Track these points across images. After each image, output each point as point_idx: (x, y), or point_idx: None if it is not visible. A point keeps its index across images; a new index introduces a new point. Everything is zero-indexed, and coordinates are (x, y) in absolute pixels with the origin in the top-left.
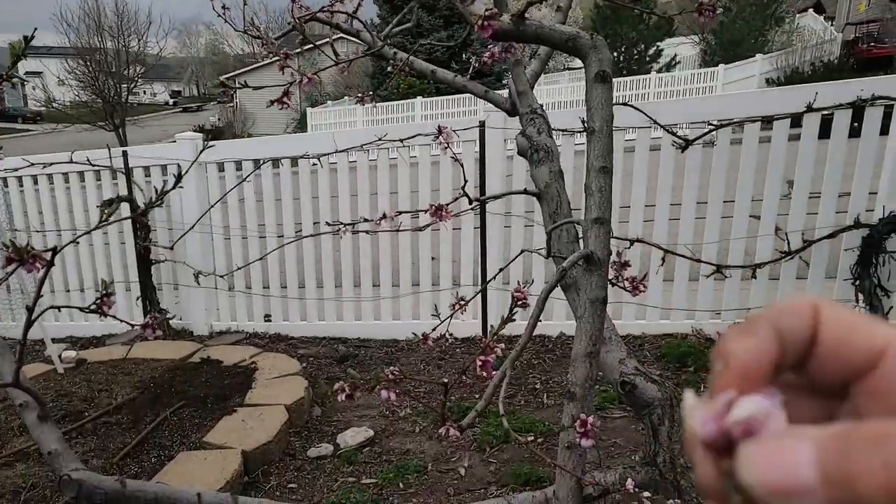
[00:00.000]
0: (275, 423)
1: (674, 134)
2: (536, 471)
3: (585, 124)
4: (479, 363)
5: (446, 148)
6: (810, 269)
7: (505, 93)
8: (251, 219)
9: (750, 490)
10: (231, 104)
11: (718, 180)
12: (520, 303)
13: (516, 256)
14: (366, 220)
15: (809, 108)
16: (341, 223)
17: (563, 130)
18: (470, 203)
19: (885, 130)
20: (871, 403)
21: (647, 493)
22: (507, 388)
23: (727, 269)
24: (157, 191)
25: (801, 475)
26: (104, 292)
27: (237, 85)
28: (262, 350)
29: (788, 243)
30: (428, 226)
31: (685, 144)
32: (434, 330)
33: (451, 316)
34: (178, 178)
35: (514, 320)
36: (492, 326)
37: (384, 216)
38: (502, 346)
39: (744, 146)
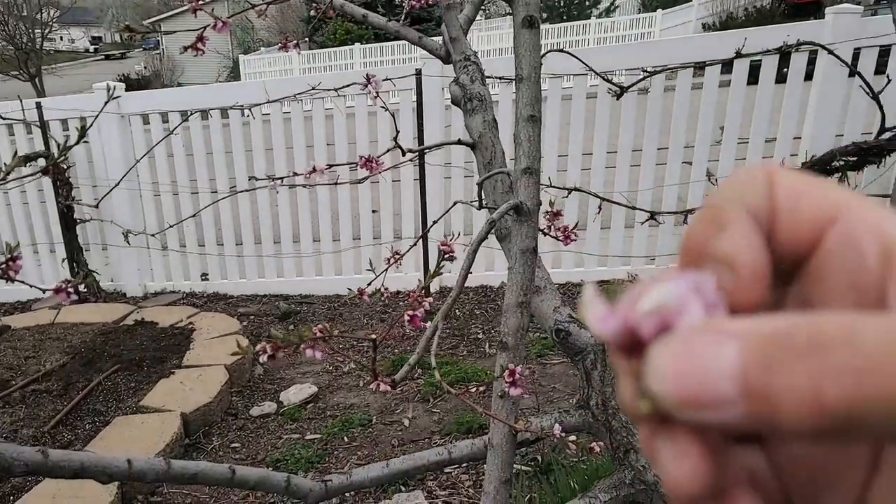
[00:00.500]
0: (215, 383)
1: (609, 81)
2: (479, 419)
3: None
4: (407, 317)
5: (376, 97)
6: None
7: (440, 39)
8: (182, 174)
9: (658, 400)
10: (157, 51)
11: (653, 128)
12: (447, 256)
13: (449, 208)
14: (297, 175)
15: (738, 55)
16: (273, 177)
17: (500, 78)
18: (403, 154)
19: (809, 76)
20: (813, 287)
21: (572, 437)
22: (450, 338)
23: (661, 215)
24: (58, 146)
25: (719, 385)
26: (9, 255)
27: (152, 29)
28: (199, 310)
29: (717, 186)
30: (366, 178)
31: (620, 91)
32: (369, 284)
33: (386, 270)
34: (83, 131)
35: (441, 273)
36: (419, 280)
37: (314, 169)
38: (430, 299)
39: (677, 93)
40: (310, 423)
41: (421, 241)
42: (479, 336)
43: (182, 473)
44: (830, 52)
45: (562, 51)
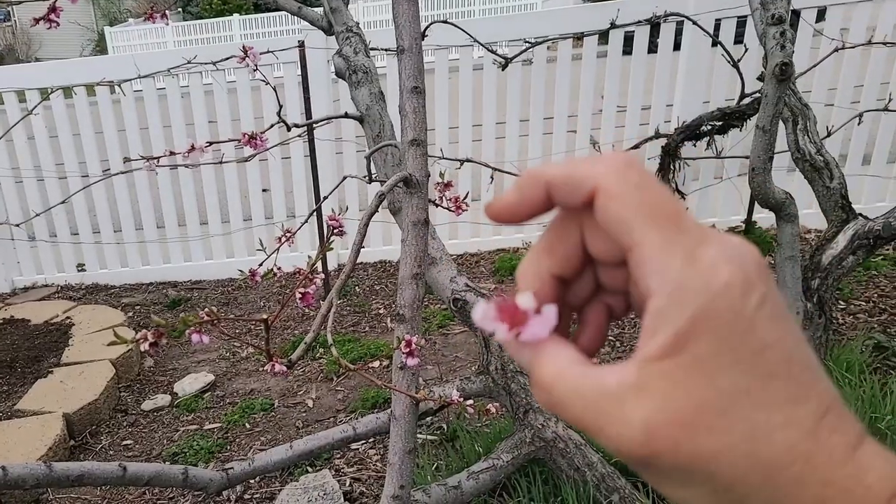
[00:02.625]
0: (100, 379)
1: (494, 52)
2: (383, 393)
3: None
4: (298, 295)
5: (255, 69)
6: None
7: (322, 10)
8: (46, 158)
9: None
10: (8, 23)
11: (538, 98)
12: (336, 231)
13: (339, 183)
14: (174, 154)
15: (613, 25)
16: (149, 157)
17: (385, 50)
18: (288, 130)
19: (678, 46)
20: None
21: (469, 402)
22: (351, 315)
23: None
24: None
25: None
26: None
27: None
28: (77, 303)
29: (600, 153)
30: (252, 156)
31: (505, 62)
32: (261, 265)
33: (278, 250)
34: None
35: (332, 248)
36: (308, 258)
37: (193, 148)
38: (321, 276)
39: (558, 64)
40: (208, 412)
41: (315, 218)
42: (381, 311)
43: (66, 476)
44: (694, 23)
45: (445, 21)
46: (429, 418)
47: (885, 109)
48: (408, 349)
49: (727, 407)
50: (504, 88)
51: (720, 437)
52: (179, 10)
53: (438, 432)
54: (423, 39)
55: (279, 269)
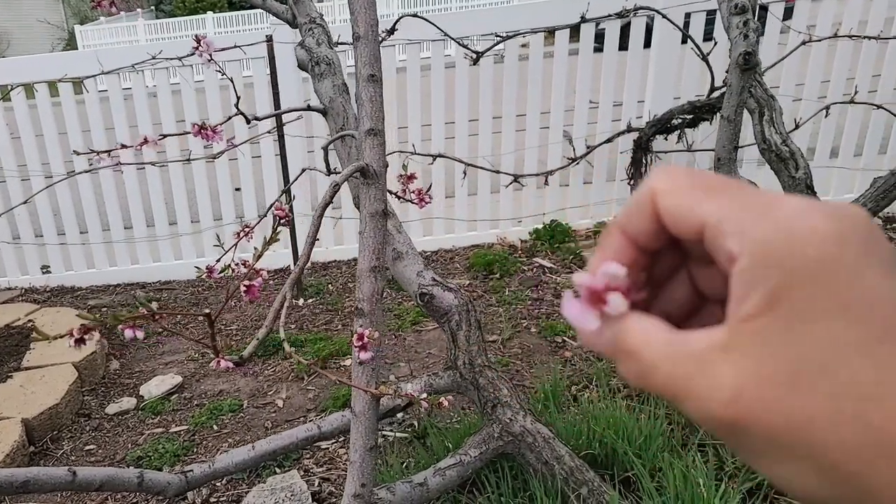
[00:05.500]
0: (62, 383)
1: (465, 46)
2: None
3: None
4: (243, 288)
5: (210, 60)
6: (594, 172)
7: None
8: (7, 158)
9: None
10: None
11: (510, 94)
12: (282, 221)
13: (297, 176)
14: (123, 147)
15: (583, 19)
16: (98, 151)
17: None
18: (248, 123)
19: (649, 45)
20: (712, 252)
21: (424, 395)
22: (324, 314)
23: (523, 178)
24: None
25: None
26: None
27: None
28: (41, 306)
29: (574, 150)
30: (221, 153)
31: (476, 57)
32: (218, 261)
33: (235, 246)
34: None
35: (278, 240)
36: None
37: (145, 141)
38: (266, 271)
39: (530, 60)
40: (174, 414)
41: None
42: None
43: (9, 482)
44: (664, 17)
45: (415, 16)
46: (399, 415)
47: (851, 102)
48: (360, 342)
49: (829, 362)
50: (476, 85)
51: (820, 398)
52: (152, 7)
53: (409, 430)
54: (392, 34)
55: (236, 264)
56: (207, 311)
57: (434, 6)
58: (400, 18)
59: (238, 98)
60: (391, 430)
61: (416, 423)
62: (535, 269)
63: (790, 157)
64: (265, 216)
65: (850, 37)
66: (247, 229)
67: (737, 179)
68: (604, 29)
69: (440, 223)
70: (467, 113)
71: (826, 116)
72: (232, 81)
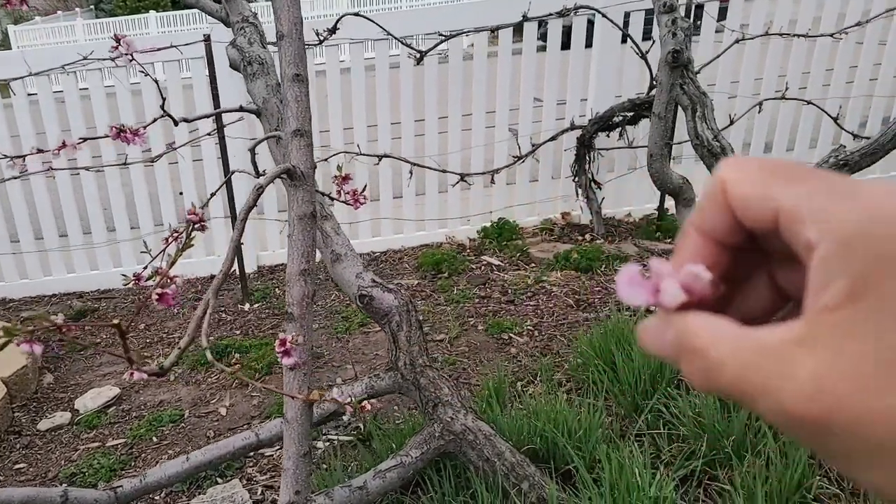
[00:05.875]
0: None
1: (409, 46)
2: None
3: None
4: (155, 297)
5: (131, 60)
6: (540, 170)
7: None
8: None
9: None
10: None
11: (456, 94)
12: (196, 225)
13: (225, 180)
14: (41, 151)
15: (525, 18)
16: (13, 157)
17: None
18: (176, 125)
19: (591, 43)
20: (788, 241)
21: (349, 400)
22: (269, 318)
23: (469, 176)
24: None
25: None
26: None
27: None
28: None
29: (519, 148)
30: (160, 156)
31: (420, 56)
32: (145, 268)
33: (164, 251)
34: None
35: (192, 245)
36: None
37: (63, 145)
38: (179, 278)
39: (475, 60)
40: (112, 428)
41: (230, 222)
42: None
43: None
44: (603, 15)
45: (357, 14)
46: (345, 417)
47: (783, 98)
48: (282, 348)
49: None
50: (422, 85)
51: None
52: (91, 7)
53: (355, 433)
54: (334, 33)
55: (157, 270)
56: (117, 321)
57: (384, 5)
58: (341, 17)
59: (164, 100)
60: (336, 434)
61: (361, 426)
62: (483, 268)
63: (721, 151)
64: (191, 223)
65: (780, 35)
66: (175, 234)
67: (814, 167)
68: (547, 29)
69: (388, 224)
70: (413, 113)
71: (759, 112)
72: (157, 83)
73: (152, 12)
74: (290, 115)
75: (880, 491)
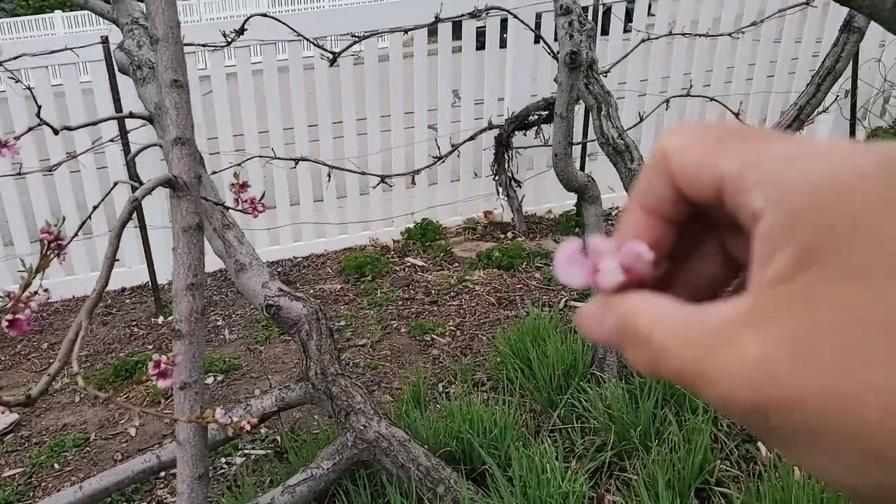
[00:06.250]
0: None
1: (321, 47)
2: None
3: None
4: (5, 323)
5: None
6: (461, 170)
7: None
8: None
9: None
10: None
11: (373, 95)
12: (50, 245)
13: (108, 192)
14: None
15: (438, 19)
16: None
17: (204, 45)
18: (56, 133)
19: (505, 44)
20: (734, 213)
21: (245, 420)
22: None
23: (390, 178)
24: None
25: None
26: None
27: None
28: None
29: (439, 148)
30: (58, 165)
31: (333, 58)
32: (27, 287)
33: (43, 268)
34: None
35: (48, 265)
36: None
37: None
38: (38, 297)
39: (391, 61)
40: (9, 457)
41: (140, 231)
42: (219, 323)
43: None
44: (514, 16)
45: (265, 15)
46: (262, 431)
47: (688, 95)
48: (157, 370)
49: (880, 329)
50: (338, 87)
51: (868, 372)
52: None
53: (272, 446)
54: (241, 34)
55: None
56: None
57: (306, 4)
58: (248, 18)
59: (39, 107)
60: (253, 448)
61: (279, 438)
62: (407, 269)
63: (626, 149)
64: (75, 236)
65: (683, 35)
66: (60, 243)
67: (760, 128)
68: (484, 27)
69: (311, 228)
70: (330, 115)
71: (667, 109)
72: (30, 90)
73: (58, 12)
74: (169, 123)
75: (826, 475)
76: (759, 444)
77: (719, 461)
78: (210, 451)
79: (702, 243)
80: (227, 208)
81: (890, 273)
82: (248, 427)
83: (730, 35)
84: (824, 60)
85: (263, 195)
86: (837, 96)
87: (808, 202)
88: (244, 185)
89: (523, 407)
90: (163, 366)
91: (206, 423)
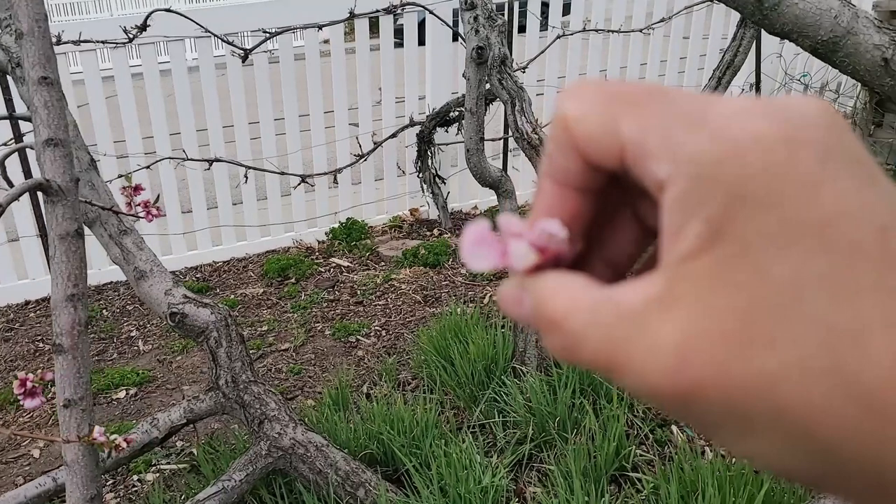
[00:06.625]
0: None
1: (231, 44)
2: (125, 425)
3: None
4: None
5: None
6: (384, 168)
7: None
8: None
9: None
10: None
11: (290, 93)
12: None
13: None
14: None
15: (352, 15)
16: None
17: (104, 42)
18: None
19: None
20: (640, 179)
21: (99, 434)
22: (95, 343)
23: (311, 178)
24: None
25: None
26: None
27: None
28: None
29: (360, 147)
30: None
31: (245, 55)
32: None
33: None
34: None
35: None
36: None
37: None
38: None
39: (307, 58)
40: None
41: (42, 241)
42: (133, 333)
43: None
44: (430, 12)
45: (169, 10)
46: (178, 444)
47: None
48: (22, 389)
49: (790, 303)
50: (253, 86)
51: (783, 349)
52: None
53: (188, 459)
54: (144, 31)
55: None
56: None
57: (210, 2)
58: (151, 13)
59: None
60: (167, 463)
61: (195, 451)
62: (332, 270)
63: (540, 144)
64: None
65: (596, 31)
66: None
67: (663, 86)
68: (402, 25)
69: (230, 231)
70: (246, 115)
71: None
72: None
73: None
74: (39, 123)
75: (757, 458)
76: (674, 427)
77: (634, 447)
78: (113, 468)
79: (620, 211)
80: (118, 213)
81: (783, 247)
82: (123, 446)
83: (641, 31)
84: (724, 55)
85: (158, 198)
86: (743, 89)
87: (712, 170)
88: (137, 189)
89: (446, 404)
90: (29, 384)
91: (92, 443)
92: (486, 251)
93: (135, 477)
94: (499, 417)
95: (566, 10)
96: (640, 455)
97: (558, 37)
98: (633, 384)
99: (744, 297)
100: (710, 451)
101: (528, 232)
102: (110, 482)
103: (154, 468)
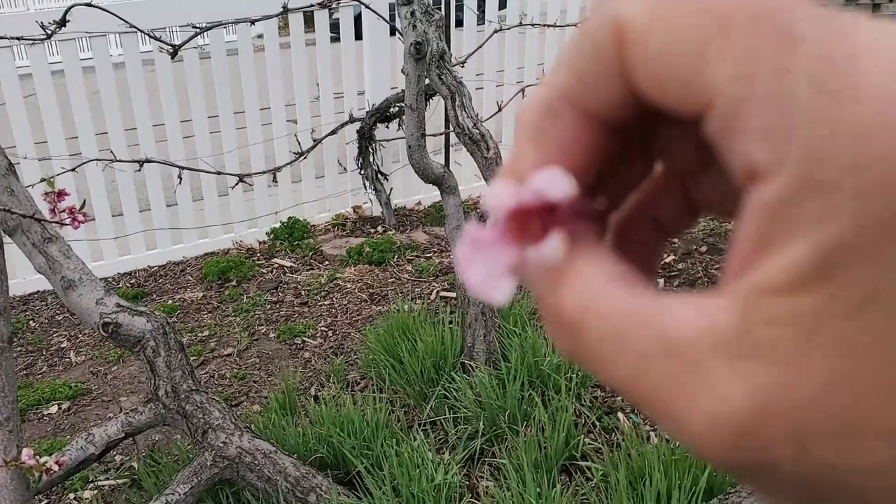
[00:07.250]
0: None
1: (159, 39)
2: (59, 442)
3: None
4: None
5: None
6: (325, 165)
7: None
8: None
9: None
10: None
11: (223, 91)
12: None
13: None
14: None
15: (286, 9)
16: None
17: (19, 39)
18: None
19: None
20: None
21: (29, 457)
22: (22, 357)
23: (249, 177)
24: None
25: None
26: None
27: None
28: None
29: (300, 144)
30: None
31: (174, 50)
32: None
33: None
34: None
35: None
36: None
37: None
38: None
39: (240, 54)
40: None
41: None
42: (64, 345)
43: None
44: (367, 6)
45: (89, 4)
46: (117, 458)
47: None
48: None
49: None
50: (184, 83)
51: None
52: None
53: (127, 474)
54: (63, 26)
55: None
56: None
57: None
58: (70, 8)
59: None
60: (106, 478)
61: (136, 465)
62: (274, 271)
63: (481, 139)
64: None
65: (532, 25)
66: None
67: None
68: (337, 19)
69: (166, 234)
70: (178, 113)
71: (523, 98)
72: None
73: None
74: None
75: None
76: (620, 414)
77: (583, 436)
78: (47, 489)
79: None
80: (41, 221)
81: None
82: (55, 469)
83: (575, 25)
84: None
85: (84, 203)
86: None
87: (851, 177)
88: (61, 194)
89: (396, 403)
90: None
91: (20, 467)
92: (493, 277)
93: (71, 495)
94: (449, 414)
95: (502, 4)
96: (589, 444)
97: (496, 31)
98: (681, 438)
99: (865, 366)
100: (655, 436)
101: (522, 193)
102: (44, 503)
103: (92, 485)
